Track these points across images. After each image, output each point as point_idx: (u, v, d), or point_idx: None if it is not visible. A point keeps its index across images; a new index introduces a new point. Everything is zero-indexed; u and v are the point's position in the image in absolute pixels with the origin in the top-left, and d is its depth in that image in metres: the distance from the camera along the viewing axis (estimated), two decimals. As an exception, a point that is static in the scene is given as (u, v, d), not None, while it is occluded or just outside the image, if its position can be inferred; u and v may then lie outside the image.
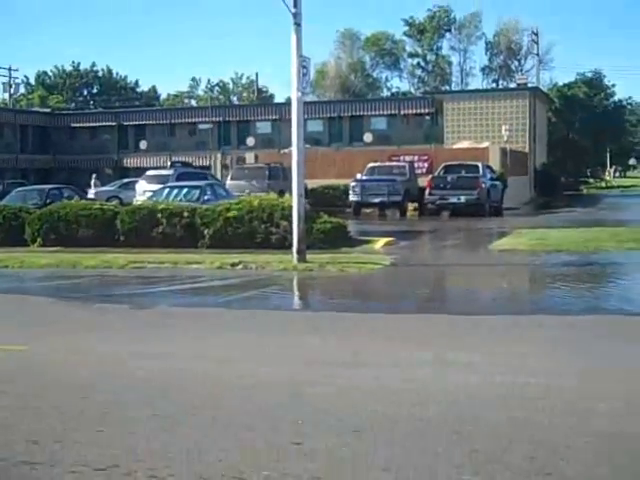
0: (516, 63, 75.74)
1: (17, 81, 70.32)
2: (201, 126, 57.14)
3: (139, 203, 24.26)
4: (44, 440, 5.47)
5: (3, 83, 67.46)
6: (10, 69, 67.44)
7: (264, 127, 55.42)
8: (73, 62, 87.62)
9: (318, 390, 6.56)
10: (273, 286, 13.47)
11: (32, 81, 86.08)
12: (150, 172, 35.42)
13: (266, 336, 9.10)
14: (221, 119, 56.25)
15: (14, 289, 13.87)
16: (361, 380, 6.90)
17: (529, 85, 52.54)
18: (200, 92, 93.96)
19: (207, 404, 6.27)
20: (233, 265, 15.48)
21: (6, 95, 70.28)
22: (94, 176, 46.85)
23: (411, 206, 32.80)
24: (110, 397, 6.56)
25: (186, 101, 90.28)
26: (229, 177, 34.59)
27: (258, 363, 7.64)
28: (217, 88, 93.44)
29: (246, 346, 8.53)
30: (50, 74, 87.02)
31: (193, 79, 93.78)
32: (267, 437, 5.41)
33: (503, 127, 43.35)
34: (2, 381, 7.17)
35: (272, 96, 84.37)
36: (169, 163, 42.94)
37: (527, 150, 45.83)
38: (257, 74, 73.44)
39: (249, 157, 41.37)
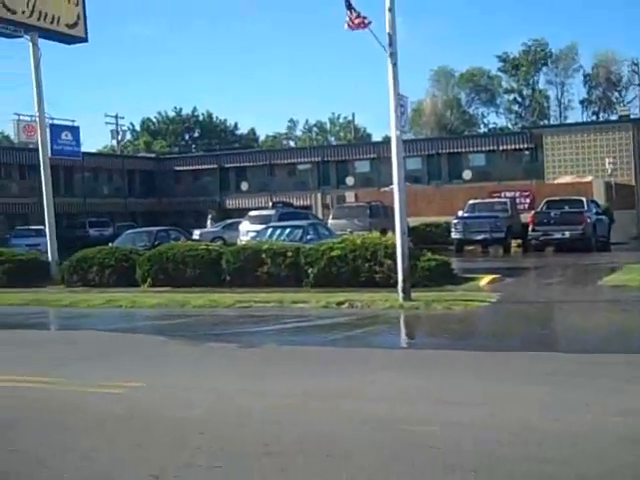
0: (617, 94, 74.17)
1: (124, 128, 72.80)
2: (300, 166, 57.86)
3: (243, 243, 24.68)
4: (164, 476, 5.58)
5: (111, 130, 69.95)
6: (117, 117, 69.87)
7: (362, 166, 55.71)
8: (175, 108, 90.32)
9: (432, 429, 6.48)
10: (380, 324, 13.44)
11: (137, 128, 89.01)
12: (253, 213, 36.04)
13: (376, 374, 9.07)
14: (320, 159, 56.85)
15: (127, 328, 14.25)
16: (487, 419, 6.78)
17: (632, 116, 51.28)
18: (298, 133, 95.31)
19: (322, 442, 6.27)
20: (339, 304, 15.52)
21: (114, 142, 72.84)
22: (209, 216, 48.60)
23: (514, 242, 32.27)
24: (225, 432, 6.65)
25: (285, 142, 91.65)
26: (330, 216, 34.80)
27: (370, 401, 7.62)
28: (315, 129, 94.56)
29: (357, 384, 8.50)
30: (154, 120, 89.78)
31: (291, 120, 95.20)
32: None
33: (607, 160, 42.33)
34: (122, 417, 7.35)
35: (369, 135, 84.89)
36: (270, 203, 43.64)
37: (633, 183, 44.58)
38: (354, 114, 74.17)
39: (349, 196, 41.57)
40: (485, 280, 18.86)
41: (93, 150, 66.08)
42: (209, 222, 46.70)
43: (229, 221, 43.77)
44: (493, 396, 7.62)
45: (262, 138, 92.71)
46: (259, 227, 29.05)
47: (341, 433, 6.47)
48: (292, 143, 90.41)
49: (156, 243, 25.98)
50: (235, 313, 15.54)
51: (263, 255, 19.87)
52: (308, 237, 23.96)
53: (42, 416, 7.48)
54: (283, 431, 6.65)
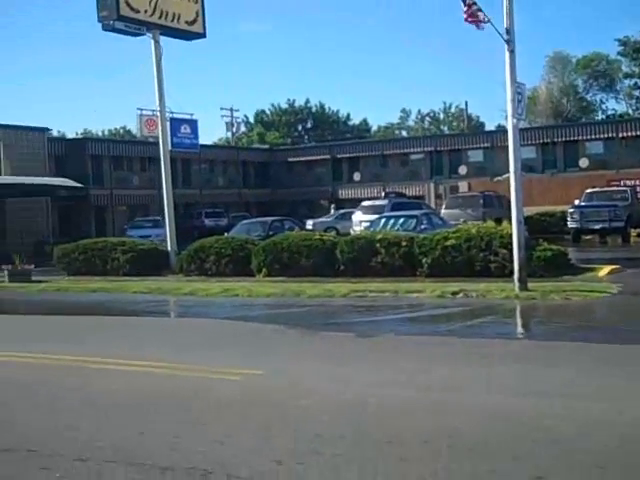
0: None
1: (238, 121, 74.08)
2: (413, 156, 57.44)
3: (357, 233, 24.70)
4: (287, 462, 5.64)
5: (226, 123, 71.27)
6: (232, 110, 71.14)
7: (476, 155, 54.81)
8: (288, 100, 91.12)
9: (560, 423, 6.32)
10: (496, 314, 13.22)
11: (251, 120, 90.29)
12: (365, 203, 36.08)
13: (496, 365, 8.91)
14: (432, 149, 56.28)
15: (245, 317, 14.49)
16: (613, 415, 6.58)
17: None
18: (410, 123, 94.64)
19: (445, 434, 6.20)
20: (454, 294, 15.35)
21: (229, 134, 74.17)
22: (332, 205, 49.62)
23: (634, 232, 31.20)
24: (345, 420, 6.66)
25: (397, 132, 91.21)
26: (444, 206, 34.48)
27: (493, 394, 7.49)
28: (427, 118, 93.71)
29: (477, 375, 8.36)
30: (267, 112, 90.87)
31: (403, 110, 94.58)
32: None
33: None
34: (243, 403, 7.48)
35: (482, 124, 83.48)
36: (383, 194, 43.60)
37: None
38: (466, 103, 73.16)
39: (462, 186, 41.16)
40: (604, 271, 18.28)
41: (209, 142, 67.44)
42: (332, 211, 47.50)
43: (342, 211, 43.96)
44: (626, 390, 7.37)
45: (374, 128, 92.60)
46: (372, 217, 29.06)
47: (465, 426, 6.38)
48: (404, 133, 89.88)
49: (271, 233, 26.32)
50: (350, 302, 15.58)
51: (377, 245, 19.84)
52: (422, 227, 23.80)
53: (169, 401, 7.70)
54: (404, 421, 6.62)
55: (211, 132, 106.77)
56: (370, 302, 15.39)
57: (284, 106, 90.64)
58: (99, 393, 8.18)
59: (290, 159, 62.49)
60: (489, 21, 14.58)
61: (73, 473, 5.63)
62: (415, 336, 11.53)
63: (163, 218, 27.23)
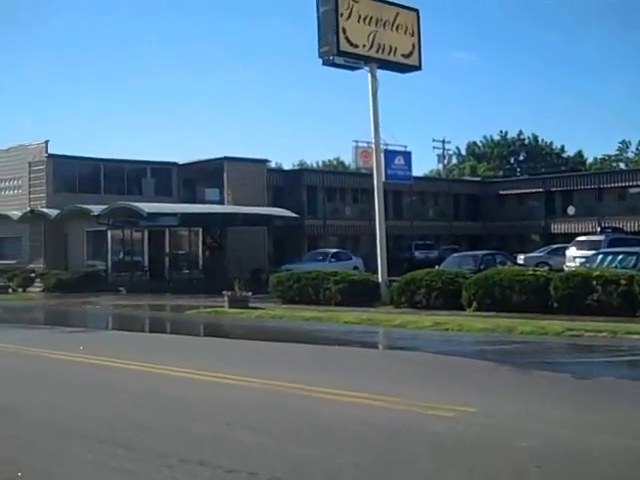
0: None
1: (450, 152, 74.03)
2: (632, 190, 54.72)
3: (571, 269, 23.85)
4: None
5: (438, 155, 71.49)
6: (444, 141, 71.28)
7: None
8: (501, 131, 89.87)
9: None
10: None
11: (463, 152, 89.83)
12: (580, 238, 34.90)
13: None
14: (654, 182, 53.40)
15: (456, 352, 14.29)
16: None
17: None
18: (630, 154, 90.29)
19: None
20: (679, 337, 14.38)
21: (440, 166, 74.18)
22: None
23: None
24: (562, 468, 6.38)
25: (614, 164, 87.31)
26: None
27: None
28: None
29: None
30: (479, 144, 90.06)
31: (622, 142, 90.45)
32: None
33: None
34: (456, 441, 7.35)
35: None
36: (598, 229, 41.83)
37: None
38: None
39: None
40: None
41: (421, 174, 67.77)
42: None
43: (554, 246, 42.74)
44: None
45: (590, 161, 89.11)
46: (587, 253, 28.13)
47: None
48: (622, 165, 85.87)
49: (482, 267, 26.01)
50: (564, 342, 14.99)
51: (593, 282, 19.08)
52: (643, 265, 22.56)
53: (381, 432, 7.71)
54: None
55: (423, 164, 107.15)
56: (586, 342, 14.73)
57: (496, 138, 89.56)
58: (331, 419, 8.35)
59: (502, 192, 61.50)
60: None
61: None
62: (638, 381, 10.87)
63: (374, 249, 27.56)
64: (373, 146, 25.52)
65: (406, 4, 26.50)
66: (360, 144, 25.67)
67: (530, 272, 21.20)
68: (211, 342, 17.60)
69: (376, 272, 25.78)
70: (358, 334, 17.63)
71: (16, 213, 42.42)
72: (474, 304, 21.02)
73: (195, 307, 25.25)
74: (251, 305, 24.25)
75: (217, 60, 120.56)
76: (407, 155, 26.76)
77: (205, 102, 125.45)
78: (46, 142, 42.39)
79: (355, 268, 35.62)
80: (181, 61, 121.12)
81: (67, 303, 30.32)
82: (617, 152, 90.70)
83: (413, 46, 26.29)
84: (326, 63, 24.77)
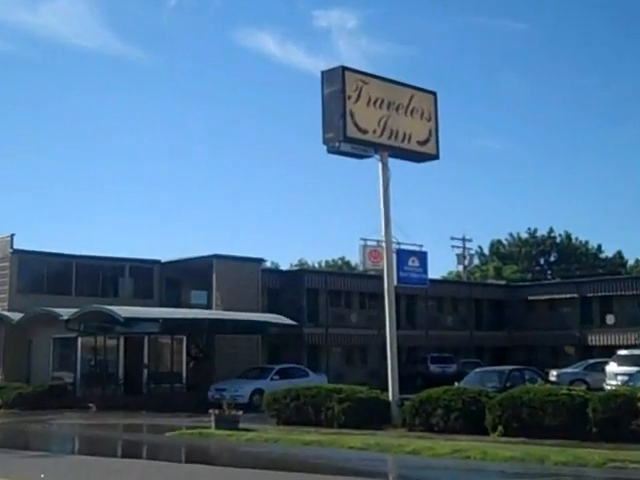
0: None
1: (471, 252, 74.11)
2: (681, 297, 54.77)
3: (612, 389, 23.66)
4: None
5: (457, 255, 71.54)
6: (464, 239, 71.46)
7: None
8: (529, 229, 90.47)
9: None
10: None
11: (486, 251, 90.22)
12: (622, 352, 34.79)
13: None
14: None
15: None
16: None
17: None
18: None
19: None
20: None
21: (460, 267, 74.33)
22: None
23: None
24: None
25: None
26: None
27: None
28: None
29: None
30: (504, 243, 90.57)
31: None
32: None
33: None
34: None
35: None
36: (643, 341, 41.74)
37: None
38: None
39: None
40: None
41: (438, 277, 67.91)
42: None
43: (592, 361, 42.55)
44: None
45: (631, 262, 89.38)
46: (631, 369, 28.01)
47: None
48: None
49: (508, 384, 25.88)
50: (606, 475, 14.74)
51: (639, 404, 18.88)
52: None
53: None
54: None
55: (440, 265, 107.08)
56: (632, 476, 14.46)
57: (524, 236, 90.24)
58: None
59: (530, 297, 61.56)
60: None
61: None
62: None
63: (383, 362, 27.36)
64: (383, 245, 25.68)
65: (422, 85, 27.09)
66: (369, 242, 25.88)
67: (564, 391, 21.02)
68: (194, 470, 17.29)
69: (385, 389, 25.55)
70: (365, 462, 17.34)
71: (-28, 316, 42.34)
72: (500, 428, 20.79)
73: (177, 428, 24.94)
74: (241, 426, 23.98)
75: (204, 148, 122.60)
76: (422, 255, 26.90)
77: (192, 193, 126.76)
78: (11, 236, 42.63)
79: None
80: (166, 148, 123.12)
81: (28, 421, 29.96)
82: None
83: (430, 132, 26.73)
84: (331, 150, 25.16)
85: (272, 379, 36.55)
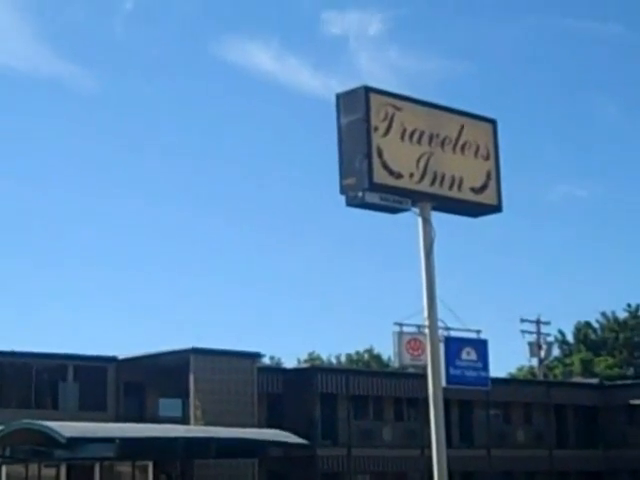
0: None
1: (549, 340, 73.72)
2: None
3: None
4: None
5: (529, 343, 71.03)
6: (538, 322, 71.15)
7: None
8: (629, 305, 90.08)
9: None
10: None
11: (569, 338, 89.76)
12: None
13: None
14: None
15: None
16: None
17: None
18: None
19: None
20: None
21: (534, 361, 73.86)
22: None
23: None
24: None
25: None
26: None
27: None
28: None
29: None
30: (595, 326, 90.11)
31: None
32: None
33: None
34: None
35: None
36: None
37: None
38: None
39: None
40: None
41: (503, 374, 67.62)
42: None
43: None
44: None
45: None
46: None
47: None
48: None
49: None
50: None
51: None
52: None
53: None
54: None
55: (506, 358, 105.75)
56: None
57: (622, 315, 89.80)
58: None
59: (633, 401, 61.16)
60: None
61: None
62: None
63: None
64: (426, 332, 25.52)
65: (476, 111, 26.99)
66: (406, 329, 25.73)
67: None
68: None
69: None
70: None
71: None
72: None
73: None
74: None
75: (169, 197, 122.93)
76: (480, 345, 26.75)
77: (159, 265, 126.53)
78: None
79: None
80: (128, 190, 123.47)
81: None
82: None
83: (488, 175, 26.65)
84: (352, 203, 25.01)
85: None
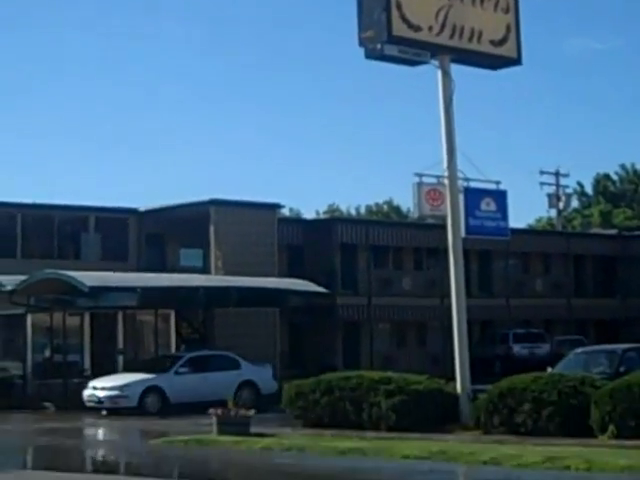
0: None
1: (568, 191, 73.50)
2: None
3: None
4: None
5: (548, 195, 70.80)
6: (557, 174, 70.87)
7: None
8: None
9: None
10: None
11: (589, 190, 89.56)
12: None
13: None
14: None
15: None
16: None
17: None
18: None
19: None
20: None
21: (552, 212, 73.80)
22: None
23: None
24: None
25: None
26: None
27: None
28: None
29: None
30: (614, 178, 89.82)
31: None
32: None
33: None
34: None
35: None
36: None
37: None
38: None
39: None
40: None
41: (522, 225, 67.59)
42: None
43: None
44: None
45: None
46: None
47: None
48: None
49: (622, 370, 25.90)
50: None
51: None
52: None
53: None
54: None
55: (525, 209, 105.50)
56: None
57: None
58: None
59: (646, 252, 61.38)
60: None
61: None
62: None
63: (449, 341, 27.60)
64: (446, 182, 25.67)
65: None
66: (425, 179, 25.84)
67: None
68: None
69: (450, 378, 25.80)
70: (426, 476, 17.63)
71: None
72: (610, 428, 21.04)
73: (164, 433, 25.31)
74: (254, 430, 24.28)
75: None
76: (500, 196, 26.88)
77: (179, 115, 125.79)
78: None
79: (243, 385, 34.96)
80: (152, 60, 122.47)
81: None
82: None
83: (508, 28, 26.55)
84: (371, 55, 25.07)
85: (177, 372, 35.16)
